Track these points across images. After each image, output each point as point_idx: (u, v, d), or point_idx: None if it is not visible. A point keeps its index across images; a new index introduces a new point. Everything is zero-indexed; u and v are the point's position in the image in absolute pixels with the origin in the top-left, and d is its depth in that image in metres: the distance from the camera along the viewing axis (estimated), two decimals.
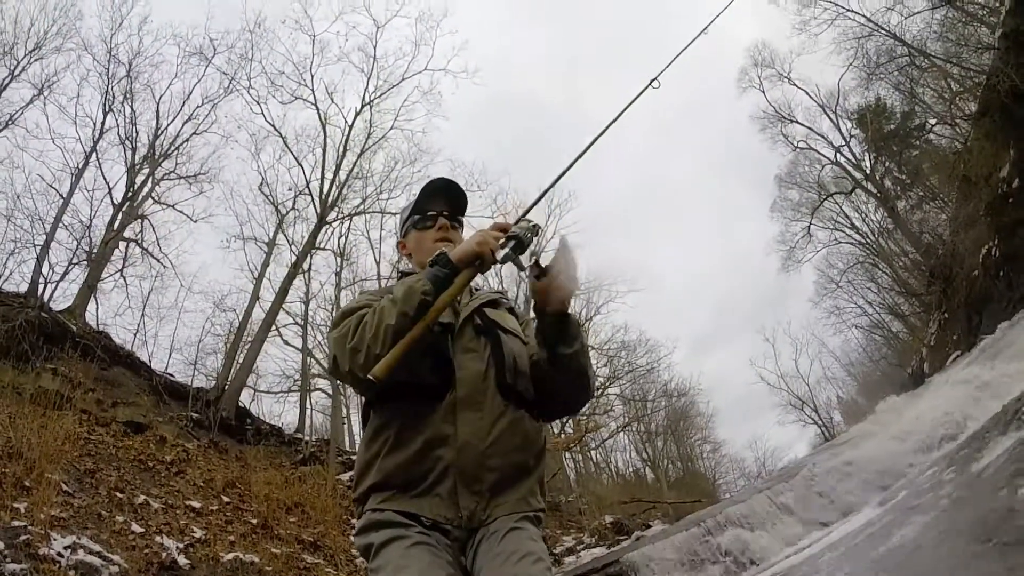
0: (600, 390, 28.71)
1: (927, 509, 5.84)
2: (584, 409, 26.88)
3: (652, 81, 2.39)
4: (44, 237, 16.30)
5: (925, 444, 9.07)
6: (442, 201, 2.15)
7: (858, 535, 6.90)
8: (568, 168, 2.91)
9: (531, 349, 1.98)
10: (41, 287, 15.17)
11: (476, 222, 28.22)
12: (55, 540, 8.85)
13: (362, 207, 26.03)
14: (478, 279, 1.96)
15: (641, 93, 2.38)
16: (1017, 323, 11.88)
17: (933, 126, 25.62)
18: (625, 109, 2.34)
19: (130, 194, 19.70)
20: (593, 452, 30.82)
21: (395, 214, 26.64)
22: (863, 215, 31.06)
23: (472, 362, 1.84)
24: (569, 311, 1.90)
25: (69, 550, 8.82)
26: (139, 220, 20.10)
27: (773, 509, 9.64)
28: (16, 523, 8.62)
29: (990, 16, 18.76)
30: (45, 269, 15.80)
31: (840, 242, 31.53)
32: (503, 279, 26.68)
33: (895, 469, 9.14)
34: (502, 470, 1.76)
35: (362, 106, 25.23)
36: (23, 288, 14.87)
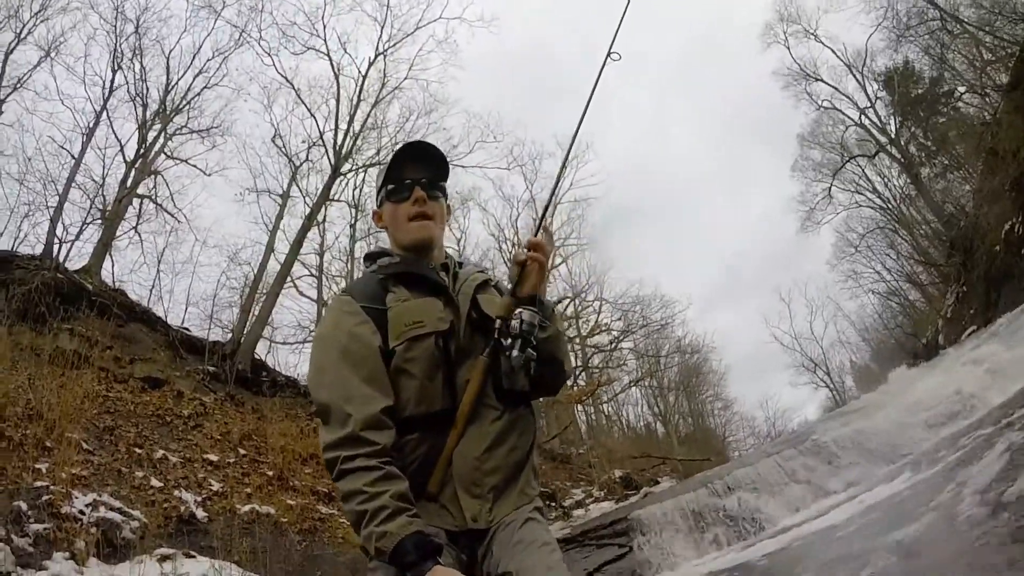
0: (614, 344, 28.88)
1: (934, 494, 5.92)
2: (597, 362, 27.18)
3: (609, 54, 2.35)
4: (57, 198, 16.42)
5: (934, 421, 9.07)
6: (419, 167, 1.94)
7: (868, 513, 6.96)
8: (561, 172, 2.99)
9: None
10: (56, 248, 15.37)
11: (492, 173, 28.30)
12: (76, 498, 9.23)
13: (376, 158, 25.84)
14: (453, 250, 1.92)
15: (603, 69, 2.33)
16: None
17: (962, 94, 24.86)
18: (592, 93, 2.31)
19: (142, 151, 19.62)
20: (605, 405, 31.17)
21: None
22: (885, 180, 30.39)
23: (471, 371, 1.75)
24: (540, 295, 1.83)
25: (90, 507, 9.20)
26: (152, 176, 20.14)
27: (780, 474, 9.77)
28: (39, 483, 8.99)
29: None
30: (59, 230, 15.97)
31: (861, 205, 30.98)
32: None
33: (903, 443, 9.13)
34: (501, 471, 1.74)
35: (376, 56, 24.87)
36: (38, 250, 15.08)
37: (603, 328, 28.91)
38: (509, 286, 1.85)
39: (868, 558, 5.09)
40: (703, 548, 9.31)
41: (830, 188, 30.03)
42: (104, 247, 17.08)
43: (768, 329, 39.51)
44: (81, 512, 8.95)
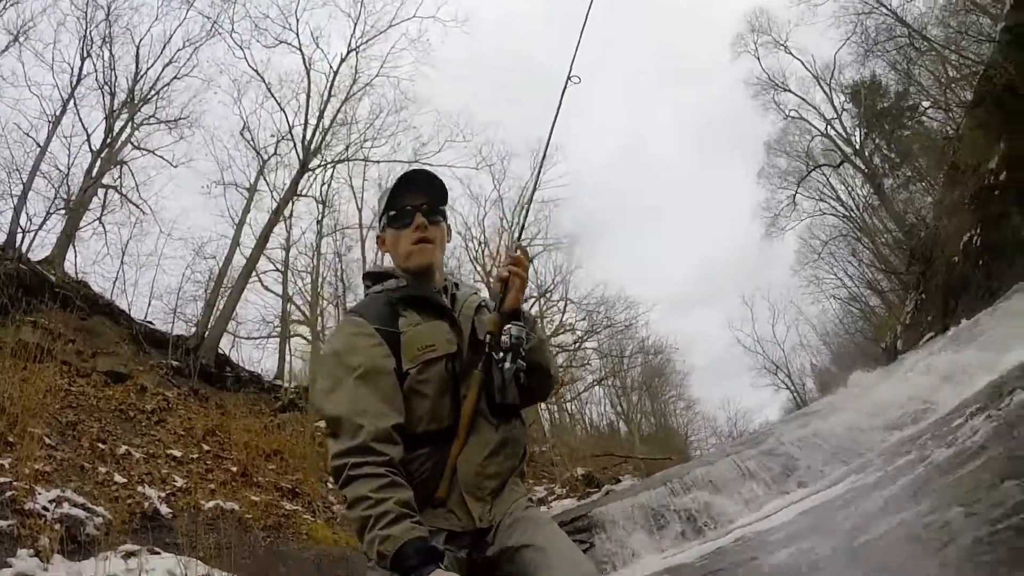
0: (578, 343, 29.19)
1: (886, 489, 6.18)
2: (561, 361, 27.46)
3: (569, 79, 2.48)
4: (21, 187, 16.15)
5: (890, 424, 9.41)
6: (419, 194, 2.00)
7: (824, 507, 7.24)
8: (531, 194, 3.13)
9: None
10: (19, 237, 15.10)
11: (460, 172, 28.47)
12: (40, 494, 9.15)
13: (345, 154, 25.89)
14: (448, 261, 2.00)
15: (564, 93, 2.47)
16: (991, 314, 12.13)
17: (927, 109, 25.63)
18: (556, 117, 2.43)
19: (109, 140, 19.36)
20: (568, 404, 31.51)
21: (378, 162, 26.69)
22: (849, 189, 31.30)
23: (470, 390, 1.84)
24: (521, 308, 1.95)
25: (54, 504, 9.13)
26: (118, 166, 19.88)
27: (738, 474, 10.10)
28: (1, 479, 8.91)
29: (994, 6, 18.62)
30: (23, 219, 15.70)
31: (824, 213, 31.84)
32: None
33: (859, 445, 9.46)
34: (499, 476, 1.86)
35: (348, 52, 24.86)
36: (0, 239, 14.79)
37: (567, 328, 29.23)
38: (493, 302, 1.98)
39: (813, 554, 5.38)
40: (662, 544, 9.60)
41: (795, 195, 30.83)
42: (67, 238, 16.82)
43: (731, 332, 40.08)
44: (45, 508, 8.89)
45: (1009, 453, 4.95)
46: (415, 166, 27.34)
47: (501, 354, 1.86)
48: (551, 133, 2.48)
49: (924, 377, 10.44)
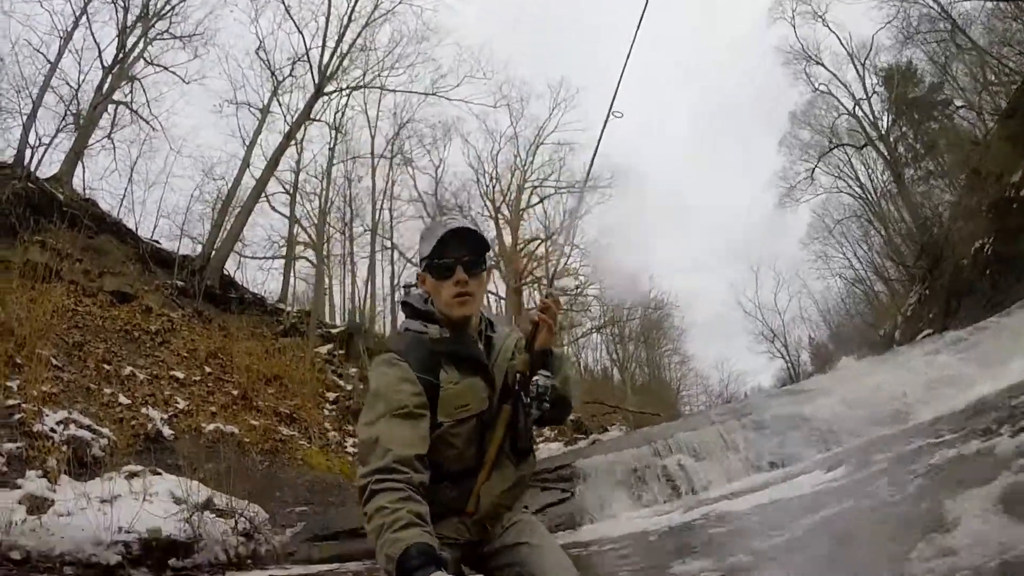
0: (579, 288, 29.37)
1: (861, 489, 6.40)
2: (563, 303, 27.71)
3: (611, 114, 2.55)
4: (31, 104, 16.06)
5: (874, 418, 9.54)
6: (461, 246, 2.05)
7: (797, 496, 7.48)
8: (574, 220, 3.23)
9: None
10: (28, 155, 15.11)
11: (477, 109, 28.06)
12: (47, 416, 9.53)
13: (362, 81, 25.42)
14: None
15: (604, 129, 2.53)
16: (990, 326, 12.04)
17: (959, 108, 24.98)
18: (595, 154, 2.58)
19: (121, 56, 19.09)
20: (566, 347, 31.91)
21: (395, 91, 26.35)
22: (869, 172, 30.65)
23: (496, 430, 1.98)
24: (551, 348, 2.06)
25: (61, 425, 9.52)
26: (129, 82, 19.71)
27: (721, 445, 10.35)
28: (10, 402, 9.29)
29: None
30: (32, 137, 15.64)
31: (841, 191, 31.38)
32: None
33: (840, 434, 9.68)
34: (514, 503, 2.08)
35: None
36: (8, 155, 14.84)
37: (570, 271, 29.36)
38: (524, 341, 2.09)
39: (786, 532, 5.67)
40: (640, 503, 10.01)
41: (814, 169, 30.39)
42: (76, 155, 16.83)
43: (734, 295, 40.23)
44: (52, 430, 9.27)
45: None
46: (431, 100, 26.76)
47: (528, 400, 1.98)
48: (590, 167, 2.55)
49: (914, 377, 10.52)
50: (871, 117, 28.92)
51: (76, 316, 12.97)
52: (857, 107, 29.06)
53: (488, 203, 30.30)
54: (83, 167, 18.24)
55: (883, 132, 28.67)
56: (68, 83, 18.41)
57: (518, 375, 2.01)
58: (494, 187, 30.61)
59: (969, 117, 24.13)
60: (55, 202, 14.39)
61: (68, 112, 17.59)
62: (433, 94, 26.49)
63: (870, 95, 28.84)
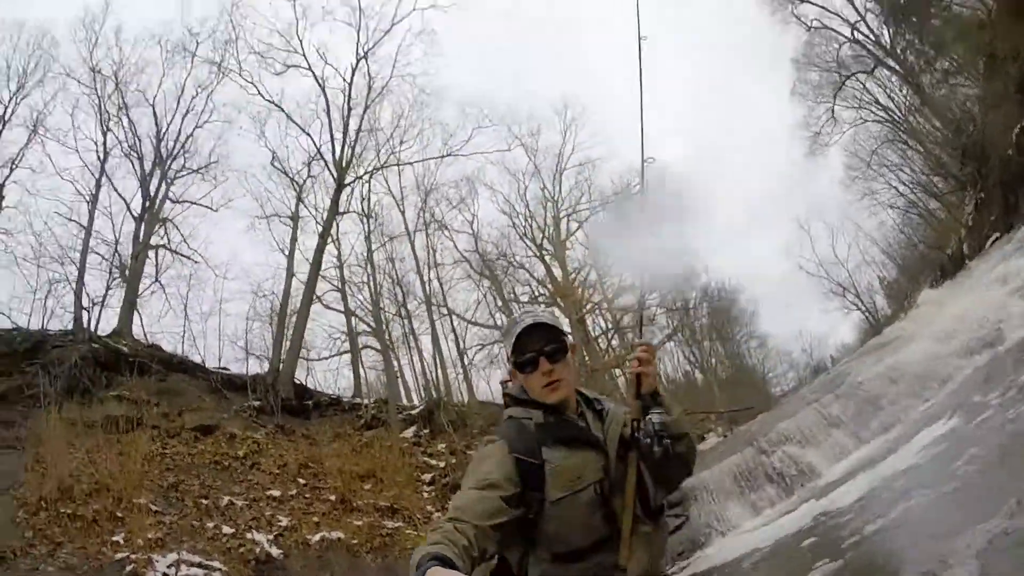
0: (640, 303, 28.77)
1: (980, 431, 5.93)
2: (627, 321, 27.23)
3: (644, 162, 2.64)
4: (76, 270, 16.78)
5: (966, 348, 9.07)
6: (539, 338, 2.17)
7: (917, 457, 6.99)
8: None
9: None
10: (85, 317, 15.64)
11: (493, 156, 28.28)
12: (158, 561, 9.56)
13: (377, 162, 25.86)
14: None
15: (643, 174, 2.64)
16: None
17: None
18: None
19: (147, 203, 19.97)
20: None
21: (412, 163, 26.81)
22: (888, 92, 29.23)
23: (625, 500, 2.04)
24: (658, 389, 2.16)
25: (173, 568, 9.50)
26: (162, 224, 20.48)
27: (822, 423, 9.88)
28: (118, 555, 9.31)
29: None
30: (85, 300, 16.31)
31: (867, 121, 29.80)
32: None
33: (938, 374, 9.22)
34: (656, 569, 2.13)
35: (357, 61, 24.64)
36: (67, 322, 15.44)
37: (627, 288, 28.85)
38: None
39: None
40: (757, 508, 9.45)
41: (832, 108, 29.17)
42: (130, 305, 17.40)
43: (790, 259, 38.73)
44: (165, 574, 9.23)
45: None
46: (448, 160, 27.06)
47: (648, 440, 2.04)
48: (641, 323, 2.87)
49: (995, 291, 10.00)
50: (872, 36, 27.84)
51: (165, 459, 13.13)
52: (855, 31, 27.99)
53: (529, 243, 30.12)
54: (139, 315, 18.86)
55: (888, 47, 27.61)
56: (105, 241, 19.22)
57: (634, 422, 2.10)
58: (531, 226, 30.39)
59: (967, 1, 22.71)
60: (121, 355, 14.75)
61: (113, 268, 18.35)
62: (449, 155, 26.66)
63: (864, 15, 27.69)
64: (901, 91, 28.45)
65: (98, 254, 18.55)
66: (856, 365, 11.82)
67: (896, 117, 29.14)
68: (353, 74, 24.58)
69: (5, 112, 18.19)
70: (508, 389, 2.31)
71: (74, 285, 16.12)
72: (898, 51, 27.18)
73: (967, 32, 20.66)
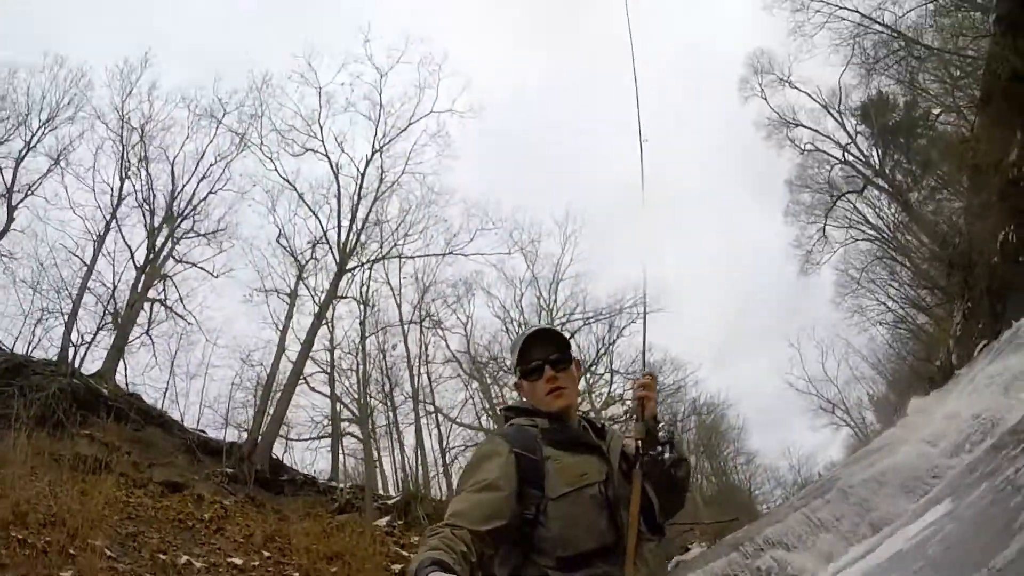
0: (628, 414, 28.34)
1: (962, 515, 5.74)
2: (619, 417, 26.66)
3: (646, 311, 2.96)
4: (71, 304, 16.59)
5: (956, 447, 9.01)
6: (546, 347, 2.26)
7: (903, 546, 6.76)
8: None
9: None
10: (71, 353, 15.28)
11: (493, 259, 28.60)
12: None
13: (380, 252, 26.18)
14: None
15: (645, 325, 2.96)
16: None
17: (938, 115, 25.33)
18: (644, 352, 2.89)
19: (151, 256, 20.03)
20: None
21: (413, 257, 27.01)
22: (877, 210, 30.50)
23: (630, 515, 2.02)
24: (657, 414, 2.26)
25: None
26: (162, 280, 20.39)
27: (810, 527, 9.54)
28: None
29: None
30: (74, 336, 16.05)
31: (856, 240, 30.86)
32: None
33: (929, 475, 9.06)
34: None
35: (372, 153, 25.53)
36: (52, 354, 15.06)
37: (616, 399, 28.45)
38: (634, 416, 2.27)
39: None
40: None
41: (823, 228, 29.97)
42: (118, 352, 17.03)
43: (781, 376, 38.68)
44: None
45: None
46: (448, 259, 27.44)
47: (659, 448, 2.14)
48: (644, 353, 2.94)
49: (984, 390, 9.98)
50: (862, 157, 29.29)
51: (128, 507, 12.42)
52: (846, 153, 29.52)
53: None
54: (124, 363, 18.48)
55: (877, 167, 28.85)
56: (104, 283, 19.21)
57: (639, 441, 2.15)
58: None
59: (950, 119, 23.96)
60: (100, 397, 14.28)
61: (107, 311, 18.17)
62: (450, 253, 26.99)
63: (855, 137, 29.36)
64: (890, 209, 29.87)
65: (94, 294, 18.46)
66: (845, 471, 11.58)
67: (885, 235, 30.34)
68: (367, 165, 25.44)
69: (32, 139, 18.57)
70: (510, 403, 2.44)
71: (66, 318, 15.83)
72: (887, 171, 28.72)
73: (952, 148, 21.46)
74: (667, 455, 2.12)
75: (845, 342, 35.85)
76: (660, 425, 2.23)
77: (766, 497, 37.68)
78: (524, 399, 2.32)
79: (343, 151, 25.53)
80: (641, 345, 3.08)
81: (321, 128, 25.06)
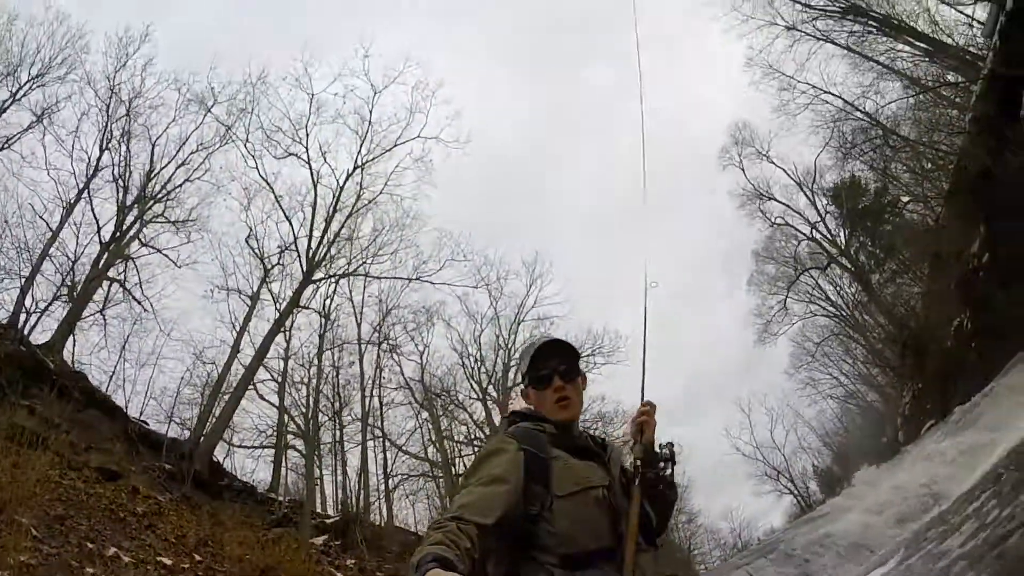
0: None
1: None
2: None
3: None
4: (30, 268, 15.84)
5: (899, 517, 9.11)
6: (555, 357, 2.30)
7: None
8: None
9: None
10: (22, 319, 14.51)
11: (458, 291, 28.34)
12: None
13: (348, 268, 25.89)
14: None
15: (646, 299, 2.89)
16: (988, 394, 11.88)
17: (907, 204, 26.34)
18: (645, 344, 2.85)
19: (118, 234, 19.36)
20: None
21: (379, 278, 26.81)
22: (838, 288, 31.53)
23: (629, 522, 2.06)
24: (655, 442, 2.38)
25: None
26: (124, 261, 19.71)
27: None
28: None
29: (959, 97, 19.51)
30: (28, 301, 15.31)
31: (815, 315, 31.92)
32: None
33: (872, 542, 9.17)
34: None
35: (354, 168, 25.37)
36: (3, 317, 14.27)
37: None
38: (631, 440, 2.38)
39: None
40: None
41: (785, 300, 30.95)
42: (69, 326, 16.32)
43: (729, 440, 38.97)
44: None
45: None
46: (414, 285, 26.94)
47: (661, 464, 2.32)
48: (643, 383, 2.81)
49: (928, 465, 10.26)
50: (829, 236, 30.43)
51: (60, 489, 11.68)
52: (814, 230, 30.60)
53: (474, 385, 29.84)
54: (74, 339, 17.73)
55: (843, 247, 29.93)
56: (66, 254, 18.53)
57: (639, 461, 2.24)
58: (479, 369, 30.18)
59: (917, 209, 25.04)
60: (46, 369, 13.53)
61: (64, 282, 17.48)
62: (416, 279, 26.87)
63: (824, 216, 30.45)
64: (851, 288, 30.98)
65: (54, 263, 17.80)
66: (789, 534, 11.68)
67: (843, 312, 31.49)
68: (347, 179, 25.34)
69: (19, 91, 18.02)
70: (513, 409, 2.44)
71: (23, 282, 15.06)
72: (852, 251, 29.79)
73: (916, 236, 22.17)
74: (669, 471, 2.30)
75: (795, 412, 36.77)
76: (661, 446, 2.35)
77: (704, 557, 37.89)
78: (530, 406, 2.34)
79: (325, 161, 25.32)
80: (640, 376, 2.98)
81: (307, 135, 24.89)
